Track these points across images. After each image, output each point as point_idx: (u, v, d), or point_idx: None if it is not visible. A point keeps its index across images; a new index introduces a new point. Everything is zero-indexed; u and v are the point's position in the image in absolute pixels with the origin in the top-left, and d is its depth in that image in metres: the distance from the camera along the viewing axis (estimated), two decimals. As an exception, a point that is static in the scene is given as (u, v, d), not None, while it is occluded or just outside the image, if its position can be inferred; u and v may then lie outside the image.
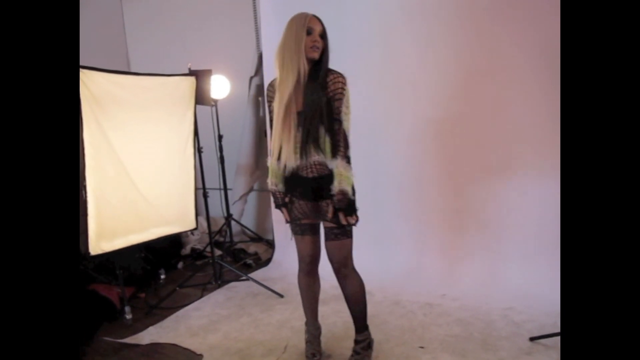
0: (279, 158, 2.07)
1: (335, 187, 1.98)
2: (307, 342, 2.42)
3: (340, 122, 1.99)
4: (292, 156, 2.03)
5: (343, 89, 1.99)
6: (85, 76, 2.54)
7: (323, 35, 2.01)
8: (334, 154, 1.99)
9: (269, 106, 2.15)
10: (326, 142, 2.00)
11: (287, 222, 2.24)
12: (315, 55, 1.99)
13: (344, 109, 2.00)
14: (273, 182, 2.17)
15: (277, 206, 2.24)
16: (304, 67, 1.98)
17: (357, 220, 2.07)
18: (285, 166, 2.06)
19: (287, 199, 2.18)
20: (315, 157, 2.02)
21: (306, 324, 2.44)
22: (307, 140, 2.00)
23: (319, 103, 1.97)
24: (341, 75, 2.01)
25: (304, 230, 2.21)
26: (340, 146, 1.99)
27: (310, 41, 1.97)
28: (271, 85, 2.13)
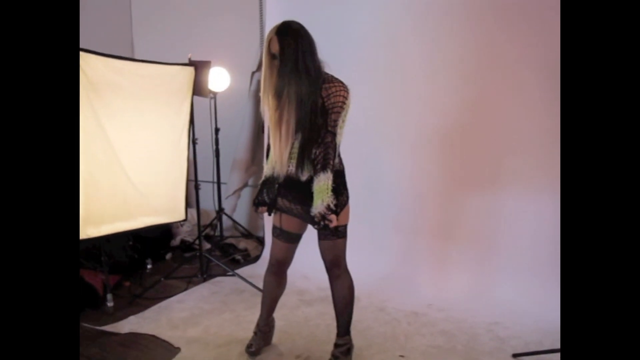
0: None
1: (315, 209, 1.94)
2: (254, 333, 2.43)
3: (333, 134, 1.95)
4: (285, 164, 2.00)
5: (344, 102, 1.95)
6: (82, 60, 2.50)
7: (279, 55, 1.90)
8: (323, 168, 1.94)
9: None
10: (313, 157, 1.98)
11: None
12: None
13: (340, 122, 1.96)
14: (265, 193, 2.13)
15: (259, 204, 2.16)
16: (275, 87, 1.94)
17: (345, 203, 2.06)
18: (278, 172, 2.04)
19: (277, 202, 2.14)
20: (307, 175, 2.00)
21: (260, 316, 2.43)
22: (303, 160, 1.98)
23: (315, 123, 1.93)
24: (344, 88, 1.96)
25: (278, 235, 2.19)
26: (329, 159, 1.94)
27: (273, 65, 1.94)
28: None
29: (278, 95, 1.92)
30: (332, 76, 2.00)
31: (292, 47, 1.88)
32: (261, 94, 2.00)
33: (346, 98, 1.95)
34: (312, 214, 1.96)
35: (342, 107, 1.95)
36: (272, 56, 1.93)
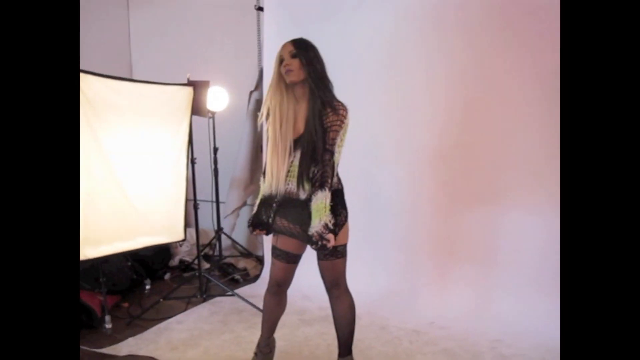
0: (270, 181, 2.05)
1: (312, 228, 1.92)
2: (254, 354, 2.37)
3: (331, 153, 1.94)
4: (282, 183, 2.00)
5: (342, 122, 1.94)
6: (81, 80, 2.52)
7: (297, 54, 1.96)
8: (321, 186, 1.92)
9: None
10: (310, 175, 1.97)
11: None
12: (293, 78, 1.96)
13: (338, 141, 1.95)
14: (263, 213, 2.12)
15: (255, 225, 2.14)
16: (279, 100, 1.98)
17: (344, 222, 2.04)
18: (275, 190, 2.03)
19: (274, 223, 2.11)
20: (307, 194, 1.99)
21: (260, 337, 2.37)
22: (302, 178, 1.97)
23: (317, 140, 1.94)
24: (343, 107, 1.96)
25: (278, 255, 2.16)
26: (327, 177, 1.93)
27: (283, 67, 1.97)
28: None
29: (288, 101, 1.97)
30: (333, 98, 2.01)
31: (311, 55, 1.97)
32: (265, 100, 2.03)
33: (345, 117, 1.95)
34: (310, 233, 1.92)
35: (340, 126, 1.94)
36: (280, 60, 1.98)
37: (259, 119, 2.10)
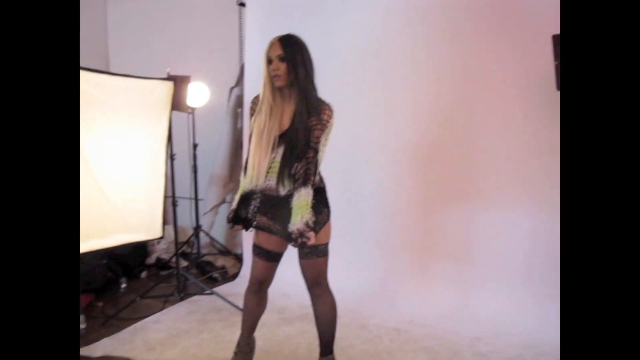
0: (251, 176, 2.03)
1: (293, 225, 1.91)
2: (234, 353, 2.32)
3: (315, 151, 1.96)
4: (263, 177, 1.99)
5: (327, 122, 1.96)
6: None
7: (284, 58, 1.94)
8: (304, 183, 1.93)
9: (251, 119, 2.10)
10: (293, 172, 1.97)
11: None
12: (280, 83, 1.95)
13: (322, 140, 1.97)
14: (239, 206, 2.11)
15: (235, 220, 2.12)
16: (270, 99, 1.98)
17: (325, 221, 2.03)
18: (255, 185, 2.01)
19: (254, 221, 2.09)
20: (287, 190, 1.98)
21: (240, 336, 2.33)
22: (284, 174, 1.97)
23: (301, 137, 1.94)
24: (329, 108, 1.98)
25: (258, 253, 2.14)
26: (310, 175, 1.94)
27: (271, 70, 1.95)
28: (257, 98, 2.09)
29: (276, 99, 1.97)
30: (317, 99, 2.02)
31: (299, 59, 1.94)
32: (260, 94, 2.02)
33: (330, 117, 1.98)
34: (290, 230, 1.92)
35: (325, 126, 1.96)
36: (268, 61, 1.96)
37: (256, 113, 2.06)
